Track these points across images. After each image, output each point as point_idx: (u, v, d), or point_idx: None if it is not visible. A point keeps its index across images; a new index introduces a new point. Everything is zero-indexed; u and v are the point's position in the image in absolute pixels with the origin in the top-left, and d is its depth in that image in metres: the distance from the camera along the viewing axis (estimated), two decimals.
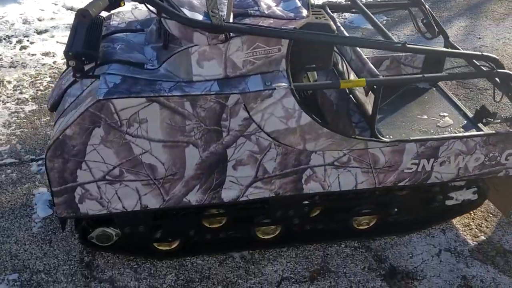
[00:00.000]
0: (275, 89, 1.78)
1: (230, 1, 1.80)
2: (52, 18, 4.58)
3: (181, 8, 1.69)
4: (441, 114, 2.41)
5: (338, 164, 2.03)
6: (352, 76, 2.26)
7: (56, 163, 1.76)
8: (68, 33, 4.38)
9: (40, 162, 2.82)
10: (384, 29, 2.19)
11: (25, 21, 4.43)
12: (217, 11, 1.71)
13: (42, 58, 3.91)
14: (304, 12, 1.87)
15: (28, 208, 2.51)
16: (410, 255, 2.39)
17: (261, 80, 1.80)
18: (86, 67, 1.74)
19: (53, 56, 3.96)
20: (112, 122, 1.72)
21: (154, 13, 1.83)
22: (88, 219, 2.02)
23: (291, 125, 1.86)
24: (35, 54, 3.95)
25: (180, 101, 1.73)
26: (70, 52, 1.69)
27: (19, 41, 4.14)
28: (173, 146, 1.82)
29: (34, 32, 4.31)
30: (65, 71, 2.16)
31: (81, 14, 1.47)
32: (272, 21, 1.80)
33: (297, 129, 1.88)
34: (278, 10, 1.85)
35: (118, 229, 2.08)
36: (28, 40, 4.17)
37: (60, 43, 4.15)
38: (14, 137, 3.01)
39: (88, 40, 1.77)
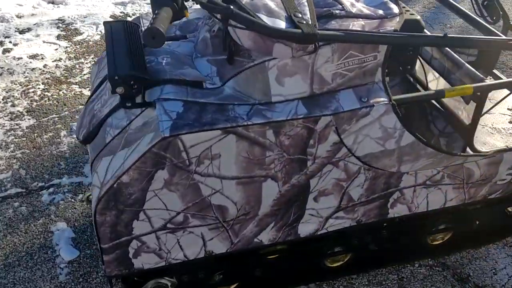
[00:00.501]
0: (373, 106, 1.45)
1: (310, 0, 1.44)
2: (33, 14, 4.05)
3: (258, 14, 1.33)
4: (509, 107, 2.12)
5: (429, 183, 1.73)
6: (432, 77, 1.94)
7: (108, 217, 1.39)
8: (55, 31, 3.96)
9: (51, 189, 2.42)
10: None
11: (2, 19, 3.91)
12: (300, 15, 1.36)
13: (30, 62, 3.43)
14: (395, 8, 1.52)
15: (49, 250, 2.13)
16: (493, 271, 2.13)
17: (354, 96, 1.46)
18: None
19: (42, 58, 3.48)
20: (179, 161, 1.36)
21: (218, 19, 1.44)
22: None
23: (389, 146, 1.54)
24: (21, 58, 3.47)
25: (261, 130, 1.38)
26: (117, 76, 1.32)
27: (0, 43, 3.63)
28: (248, 182, 1.48)
29: (16, 31, 3.79)
30: (93, 94, 1.75)
31: (151, 35, 1.10)
32: (363, 22, 1.45)
33: (395, 151, 1.56)
34: (364, 8, 1.50)
35: (175, 278, 1.74)
36: (10, 42, 3.66)
37: (48, 43, 3.67)
38: (15, 161, 2.59)
39: (133, 58, 1.40)
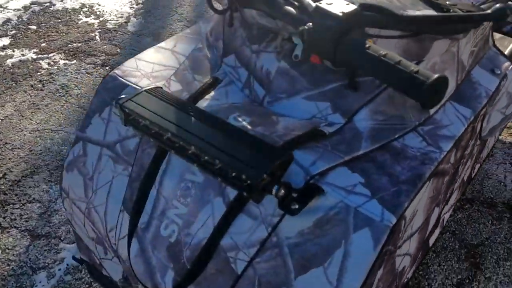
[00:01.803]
0: (506, 74, 1.23)
1: None
2: None
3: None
4: None
5: None
6: None
7: None
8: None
9: None
10: None
11: None
12: None
13: None
14: None
15: None
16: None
17: (486, 72, 1.22)
18: None
19: None
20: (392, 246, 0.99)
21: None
22: None
23: (509, 111, 1.38)
24: None
25: (450, 155, 1.08)
26: (266, 175, 0.78)
27: None
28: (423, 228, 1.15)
29: None
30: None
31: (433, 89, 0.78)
32: None
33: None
34: None
35: None
36: None
37: None
38: None
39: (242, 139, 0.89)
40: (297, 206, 0.79)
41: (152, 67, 1.10)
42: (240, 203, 0.86)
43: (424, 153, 0.95)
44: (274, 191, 0.77)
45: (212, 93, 1.02)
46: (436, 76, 0.74)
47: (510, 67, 1.24)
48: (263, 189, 0.77)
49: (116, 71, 1.08)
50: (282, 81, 0.98)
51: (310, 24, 0.81)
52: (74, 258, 1.29)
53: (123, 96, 0.90)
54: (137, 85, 1.04)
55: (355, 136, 0.93)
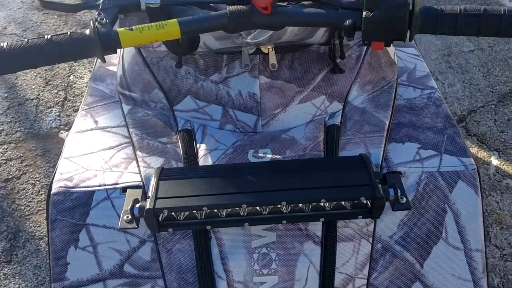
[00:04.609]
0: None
1: None
2: None
3: None
4: None
5: None
6: None
7: None
8: None
9: None
10: None
11: None
12: None
13: None
14: None
15: None
16: None
17: None
18: None
19: None
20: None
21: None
22: None
23: None
24: None
25: None
26: (375, 182, 0.72)
27: None
28: None
29: None
30: None
31: None
32: None
33: None
34: None
35: None
36: None
37: None
38: None
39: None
40: (404, 200, 0.73)
41: (99, 156, 0.84)
42: (331, 234, 0.76)
43: (428, 97, 0.95)
44: (391, 197, 0.71)
45: (202, 146, 0.84)
46: None
47: None
48: (386, 199, 0.70)
49: (60, 183, 0.78)
50: (272, 97, 0.87)
51: (368, 11, 0.66)
52: None
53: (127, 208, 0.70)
54: (105, 186, 0.78)
55: (362, 113, 0.89)
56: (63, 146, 0.88)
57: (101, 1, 0.71)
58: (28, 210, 1.75)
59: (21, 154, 1.98)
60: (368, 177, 0.70)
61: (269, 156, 0.81)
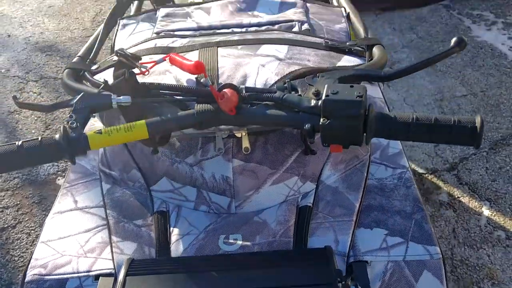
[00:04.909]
0: None
1: None
2: None
3: None
4: None
5: None
6: None
7: None
8: None
9: None
10: None
11: None
12: None
13: None
14: None
15: None
16: None
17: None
18: None
19: None
20: None
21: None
22: None
23: None
24: None
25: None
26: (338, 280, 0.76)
27: None
28: None
29: None
30: None
31: None
32: None
33: None
34: None
35: None
36: None
37: None
38: None
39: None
40: None
41: (75, 240, 0.86)
42: None
43: (398, 177, 0.96)
44: None
45: (175, 230, 0.86)
46: (476, 116, 0.69)
47: None
48: None
49: (34, 271, 0.81)
50: (245, 179, 0.89)
51: (325, 118, 0.69)
52: None
53: None
54: (78, 273, 0.80)
55: (334, 193, 0.91)
56: (42, 227, 0.90)
57: (74, 101, 0.74)
58: (22, 262, 1.77)
59: (18, 202, 2.01)
60: (330, 275, 0.72)
61: (239, 242, 0.82)
